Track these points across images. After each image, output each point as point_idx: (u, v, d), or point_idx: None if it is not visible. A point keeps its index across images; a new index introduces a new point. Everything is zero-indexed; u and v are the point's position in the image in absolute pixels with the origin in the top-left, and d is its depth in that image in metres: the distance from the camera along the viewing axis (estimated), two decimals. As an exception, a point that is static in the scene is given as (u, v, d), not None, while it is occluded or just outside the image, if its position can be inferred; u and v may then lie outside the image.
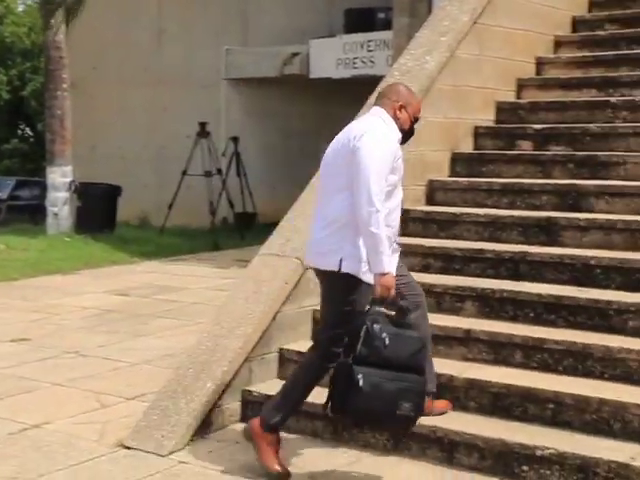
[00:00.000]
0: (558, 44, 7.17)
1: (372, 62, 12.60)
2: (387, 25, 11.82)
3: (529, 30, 6.95)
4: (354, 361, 3.91)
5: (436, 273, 5.48)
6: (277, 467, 4.13)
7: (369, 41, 12.71)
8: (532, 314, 4.84)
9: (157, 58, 14.67)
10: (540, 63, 7.01)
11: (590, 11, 7.55)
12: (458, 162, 6.34)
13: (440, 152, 6.28)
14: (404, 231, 5.92)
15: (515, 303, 4.93)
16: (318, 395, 4.64)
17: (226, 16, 14.30)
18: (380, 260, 3.94)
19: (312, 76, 13.23)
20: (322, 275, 4.22)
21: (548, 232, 5.39)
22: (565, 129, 6.25)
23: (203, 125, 12.94)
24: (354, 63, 12.84)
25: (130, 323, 7.29)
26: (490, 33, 6.57)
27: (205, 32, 14.27)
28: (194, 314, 7.42)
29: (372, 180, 3.94)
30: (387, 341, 3.90)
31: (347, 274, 4.05)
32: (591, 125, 6.18)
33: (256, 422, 4.21)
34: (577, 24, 7.39)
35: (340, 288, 4.08)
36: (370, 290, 4.03)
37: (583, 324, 4.70)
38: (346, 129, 4.28)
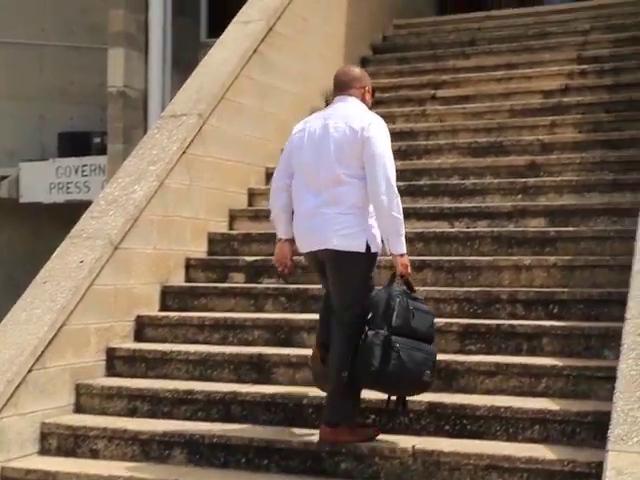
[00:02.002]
0: (270, 175, 7.18)
1: (87, 187, 12.16)
2: (103, 150, 11.53)
3: (240, 161, 6.91)
4: (390, 332, 4.20)
5: (143, 417, 5.10)
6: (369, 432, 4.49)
7: (84, 166, 12.28)
8: (244, 460, 4.57)
9: None
10: (252, 194, 6.97)
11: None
12: (169, 296, 6.05)
13: (150, 285, 5.98)
14: (110, 371, 5.52)
15: (226, 448, 4.65)
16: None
17: None
18: (401, 241, 4.35)
19: (22, 200, 12.52)
20: (339, 256, 4.36)
21: (260, 369, 5.19)
22: (277, 261, 6.16)
23: None
24: (68, 188, 12.33)
25: None
26: (200, 163, 6.46)
27: None
28: None
29: (389, 168, 4.32)
30: (414, 313, 4.27)
31: (372, 253, 4.39)
32: (301, 257, 6.15)
33: (327, 430, 4.36)
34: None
35: (364, 266, 4.39)
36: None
37: (295, 468, 4.49)
38: (335, 117, 4.43)
